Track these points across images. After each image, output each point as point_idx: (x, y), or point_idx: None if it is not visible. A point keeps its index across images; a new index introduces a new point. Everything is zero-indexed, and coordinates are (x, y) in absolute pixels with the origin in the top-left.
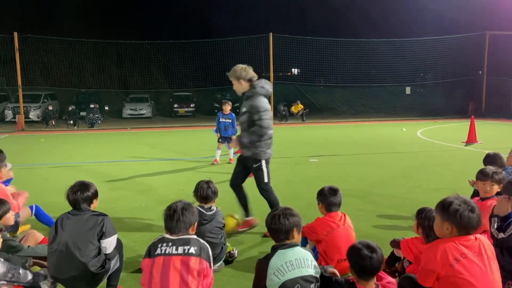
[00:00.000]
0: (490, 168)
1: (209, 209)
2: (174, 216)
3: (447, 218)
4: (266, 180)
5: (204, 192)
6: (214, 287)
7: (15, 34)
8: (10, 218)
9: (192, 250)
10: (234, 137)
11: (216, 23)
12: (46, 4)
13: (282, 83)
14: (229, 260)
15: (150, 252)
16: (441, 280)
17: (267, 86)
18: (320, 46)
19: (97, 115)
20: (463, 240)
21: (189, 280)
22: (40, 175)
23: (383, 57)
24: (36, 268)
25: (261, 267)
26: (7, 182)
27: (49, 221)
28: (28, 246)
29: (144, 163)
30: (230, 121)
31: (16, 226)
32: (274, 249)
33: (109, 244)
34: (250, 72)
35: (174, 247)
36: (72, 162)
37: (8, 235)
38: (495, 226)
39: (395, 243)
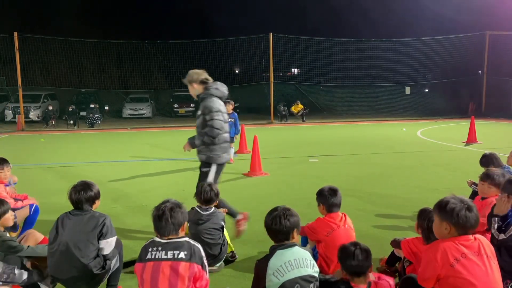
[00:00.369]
0: (494, 171)
1: (206, 209)
2: (162, 217)
3: (444, 218)
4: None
5: (208, 195)
6: (214, 287)
7: (15, 34)
8: (9, 218)
9: (181, 254)
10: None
11: (216, 23)
12: (46, 4)
13: (282, 83)
14: (230, 260)
15: (141, 257)
16: (442, 280)
17: (222, 88)
18: (320, 46)
19: (97, 115)
20: (462, 240)
21: (178, 286)
22: (40, 175)
23: (383, 57)
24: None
25: (260, 267)
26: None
27: (31, 223)
28: (28, 246)
29: (144, 163)
30: (232, 120)
31: (15, 225)
32: (273, 250)
33: (107, 245)
34: (203, 75)
35: (163, 252)
36: (72, 162)
37: (8, 235)
38: (495, 226)
39: (395, 243)
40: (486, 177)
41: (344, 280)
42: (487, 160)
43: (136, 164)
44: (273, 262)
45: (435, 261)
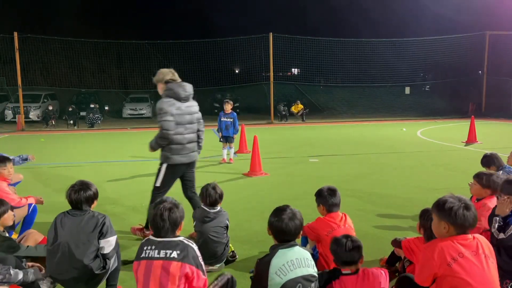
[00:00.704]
0: (484, 172)
1: (213, 207)
2: (159, 217)
3: (443, 217)
4: (157, 184)
5: (213, 198)
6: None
7: (15, 34)
8: (9, 218)
9: (174, 254)
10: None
11: (216, 23)
12: (46, 4)
13: (282, 83)
14: (230, 260)
15: (138, 255)
16: (439, 279)
17: (177, 89)
18: (320, 46)
19: (97, 115)
20: (460, 239)
21: (168, 285)
22: (40, 175)
23: (383, 57)
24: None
25: (262, 266)
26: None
27: (30, 223)
28: (28, 246)
29: (144, 163)
30: (231, 120)
31: (13, 225)
32: (275, 249)
33: (108, 244)
34: (168, 75)
35: (156, 251)
36: (72, 162)
37: (7, 235)
38: (496, 226)
39: (396, 243)
40: (476, 177)
41: (336, 268)
42: (488, 160)
43: (136, 164)
44: (276, 261)
45: (432, 260)
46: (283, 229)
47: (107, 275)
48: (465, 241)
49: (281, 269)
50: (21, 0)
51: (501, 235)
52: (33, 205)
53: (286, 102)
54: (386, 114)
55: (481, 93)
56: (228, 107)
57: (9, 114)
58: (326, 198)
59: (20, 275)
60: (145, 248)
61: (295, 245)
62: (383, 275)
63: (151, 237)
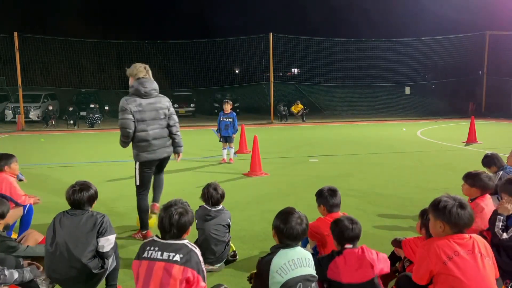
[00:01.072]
0: (472, 171)
1: (214, 206)
2: (168, 221)
3: (438, 216)
4: (137, 183)
5: (214, 199)
6: (214, 287)
7: (15, 34)
8: (10, 216)
9: (177, 257)
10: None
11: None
12: (46, 4)
13: (282, 83)
14: (231, 260)
15: (139, 254)
16: (435, 277)
17: (139, 86)
18: (320, 46)
19: (97, 115)
20: (456, 238)
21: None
22: (40, 175)
23: (383, 57)
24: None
25: (264, 265)
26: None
27: (27, 224)
28: (27, 246)
29: None
30: (230, 120)
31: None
32: (276, 249)
33: (107, 242)
34: (141, 73)
35: (159, 252)
36: (72, 162)
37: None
38: (500, 225)
39: (396, 243)
40: (464, 177)
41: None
42: (489, 160)
43: None
44: (277, 260)
45: (428, 258)
46: (291, 234)
47: (106, 275)
48: (461, 240)
49: (282, 268)
50: (21, 0)
51: (504, 235)
52: (28, 205)
53: (286, 102)
54: (386, 114)
55: (481, 93)
56: (227, 107)
57: (9, 114)
58: (327, 199)
59: (16, 275)
60: (147, 248)
61: (297, 245)
62: (383, 256)
63: (156, 238)
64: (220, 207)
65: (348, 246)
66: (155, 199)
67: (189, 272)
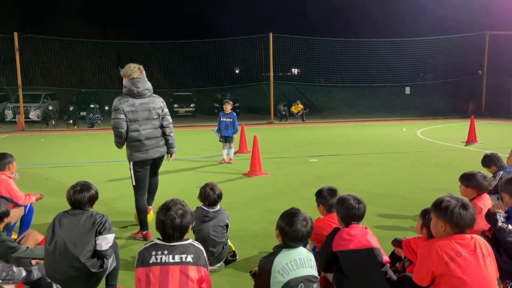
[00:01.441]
0: (467, 172)
1: (212, 207)
2: (170, 224)
3: (440, 215)
4: (133, 183)
5: (211, 199)
6: (214, 287)
7: (15, 34)
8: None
9: (189, 258)
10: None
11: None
12: (46, 4)
13: (282, 83)
14: (230, 260)
15: (144, 260)
16: (437, 278)
17: (132, 86)
18: (320, 46)
19: (97, 115)
20: (458, 238)
21: None
22: (40, 175)
23: (383, 57)
24: None
25: (266, 264)
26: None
27: (28, 223)
28: (27, 247)
29: None
30: (230, 120)
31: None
32: (279, 248)
33: (105, 241)
34: (135, 73)
35: (170, 256)
36: (72, 162)
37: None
38: (502, 219)
39: (396, 243)
40: (460, 178)
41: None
42: (489, 160)
43: None
44: (279, 260)
45: (429, 259)
46: (296, 236)
47: (106, 274)
48: (463, 241)
49: (284, 268)
50: (21, 0)
51: (510, 227)
52: (29, 205)
53: (286, 102)
54: (386, 114)
55: (481, 93)
56: (228, 107)
57: (9, 114)
58: (327, 199)
59: (24, 273)
60: (153, 253)
61: (299, 245)
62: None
63: (158, 241)
64: (217, 207)
65: (354, 222)
66: (149, 203)
67: (202, 270)
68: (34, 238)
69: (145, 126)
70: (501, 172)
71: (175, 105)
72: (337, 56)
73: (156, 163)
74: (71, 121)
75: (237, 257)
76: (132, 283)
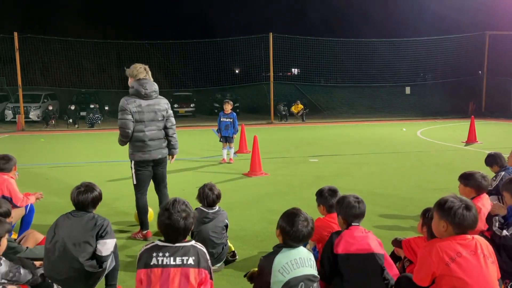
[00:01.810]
0: (466, 172)
1: (211, 207)
2: (174, 226)
3: (442, 215)
4: (134, 182)
5: (210, 199)
6: (214, 287)
7: (15, 34)
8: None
9: (190, 260)
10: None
11: (216, 23)
12: (46, 4)
13: (282, 83)
14: (230, 260)
15: (145, 262)
16: (437, 279)
17: (139, 86)
18: (320, 46)
19: (97, 115)
20: (459, 239)
21: None
22: (40, 175)
23: (383, 57)
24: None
25: (266, 264)
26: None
27: (28, 223)
28: (27, 247)
29: None
30: (230, 120)
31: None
32: (279, 248)
33: (105, 247)
34: (142, 73)
35: (172, 258)
36: (72, 162)
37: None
38: (497, 225)
39: (396, 242)
40: (459, 178)
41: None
42: (492, 159)
43: None
44: (279, 259)
45: (430, 260)
46: (297, 237)
47: (106, 275)
48: (464, 241)
49: (284, 267)
50: (21, 0)
51: (504, 232)
52: (29, 205)
53: (286, 102)
54: (386, 114)
55: (481, 93)
56: (228, 107)
57: (9, 114)
58: (327, 199)
59: (29, 276)
60: (154, 255)
61: (300, 245)
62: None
63: (159, 243)
64: (216, 208)
65: (354, 223)
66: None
67: (203, 272)
68: (34, 238)
69: (150, 127)
70: (503, 173)
71: (175, 105)
72: (337, 56)
73: (157, 164)
74: (70, 120)
75: (237, 257)
76: (132, 283)
